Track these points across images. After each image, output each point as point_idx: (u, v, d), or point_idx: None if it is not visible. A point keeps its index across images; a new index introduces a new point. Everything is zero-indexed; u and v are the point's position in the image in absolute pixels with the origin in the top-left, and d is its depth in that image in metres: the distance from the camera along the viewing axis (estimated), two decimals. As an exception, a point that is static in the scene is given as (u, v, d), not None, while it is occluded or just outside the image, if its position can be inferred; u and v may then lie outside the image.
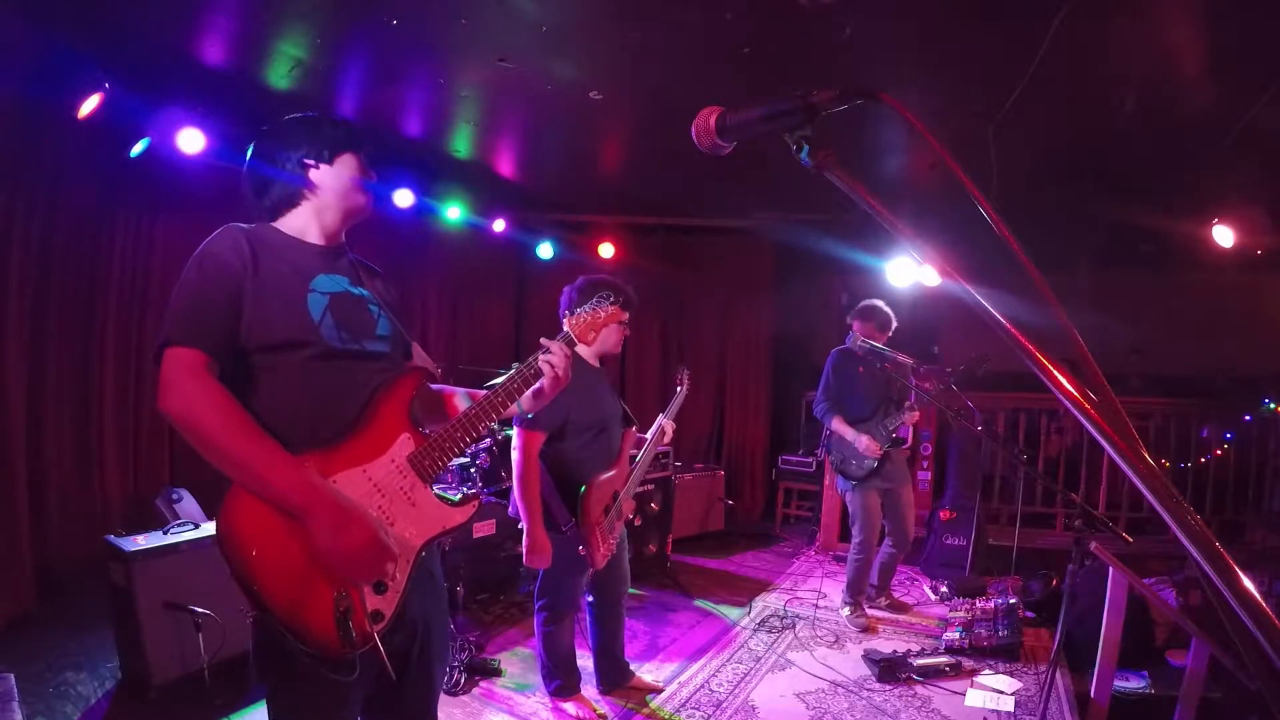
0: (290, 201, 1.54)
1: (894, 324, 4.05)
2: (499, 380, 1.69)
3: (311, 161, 1.52)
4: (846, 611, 4.08)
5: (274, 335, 1.38)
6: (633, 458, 2.99)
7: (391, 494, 1.42)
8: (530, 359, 1.64)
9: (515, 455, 2.62)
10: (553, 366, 1.63)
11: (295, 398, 1.40)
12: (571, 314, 1.78)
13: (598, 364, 2.87)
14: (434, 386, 1.77)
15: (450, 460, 1.52)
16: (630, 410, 3.03)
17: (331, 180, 1.53)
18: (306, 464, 1.31)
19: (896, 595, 4.43)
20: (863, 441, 3.84)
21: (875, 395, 3.98)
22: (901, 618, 4.20)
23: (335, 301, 1.47)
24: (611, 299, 1.78)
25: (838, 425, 3.92)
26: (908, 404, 3.93)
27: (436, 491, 1.50)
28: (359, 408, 1.44)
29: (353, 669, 1.30)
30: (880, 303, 4.07)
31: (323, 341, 1.42)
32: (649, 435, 3.10)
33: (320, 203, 1.54)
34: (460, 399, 1.74)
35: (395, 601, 1.37)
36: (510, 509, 2.77)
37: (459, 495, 1.55)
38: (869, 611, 4.11)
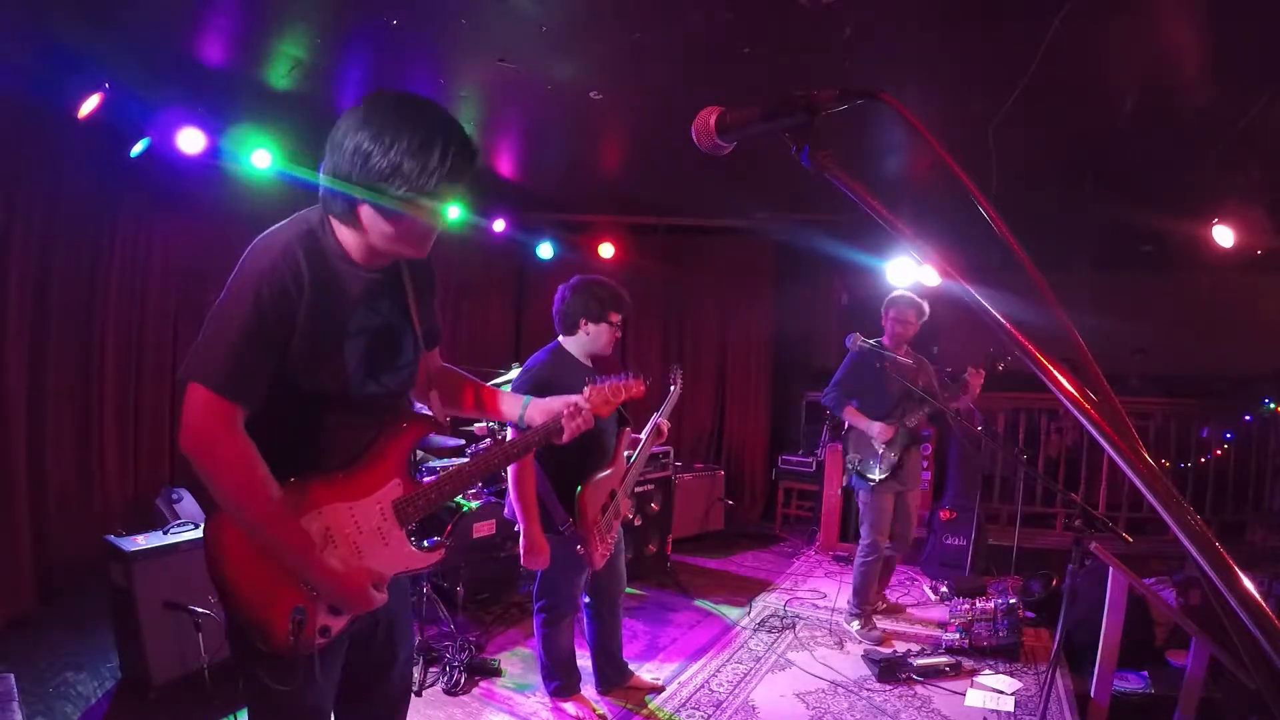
0: (348, 219, 1.34)
1: (895, 303, 3.91)
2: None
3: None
4: (856, 625, 3.90)
5: (306, 386, 1.36)
6: (628, 457, 2.98)
7: (368, 531, 1.48)
8: (550, 423, 1.68)
9: (513, 455, 2.61)
10: (573, 434, 1.68)
11: (306, 431, 1.42)
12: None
13: (589, 364, 2.87)
14: (456, 370, 1.81)
15: (431, 510, 1.57)
16: (629, 410, 3.02)
17: (370, 225, 1.33)
18: (298, 489, 1.38)
19: (893, 598, 4.43)
20: (876, 428, 3.74)
21: (896, 393, 3.88)
22: (901, 618, 4.19)
23: (371, 343, 1.43)
24: (636, 376, 1.88)
25: (850, 415, 3.82)
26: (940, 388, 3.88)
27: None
28: (362, 447, 1.47)
29: (293, 676, 1.38)
30: (895, 294, 3.96)
31: (349, 394, 1.42)
32: (644, 434, 3.09)
33: (374, 241, 1.35)
34: (506, 404, 1.77)
35: (345, 623, 1.45)
36: (506, 510, 2.76)
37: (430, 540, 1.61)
38: (880, 625, 3.98)
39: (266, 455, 1.31)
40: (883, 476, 3.80)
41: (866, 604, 3.95)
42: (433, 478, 1.58)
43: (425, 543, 1.60)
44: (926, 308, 3.91)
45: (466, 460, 1.61)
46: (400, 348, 1.51)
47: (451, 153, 1.25)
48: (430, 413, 1.63)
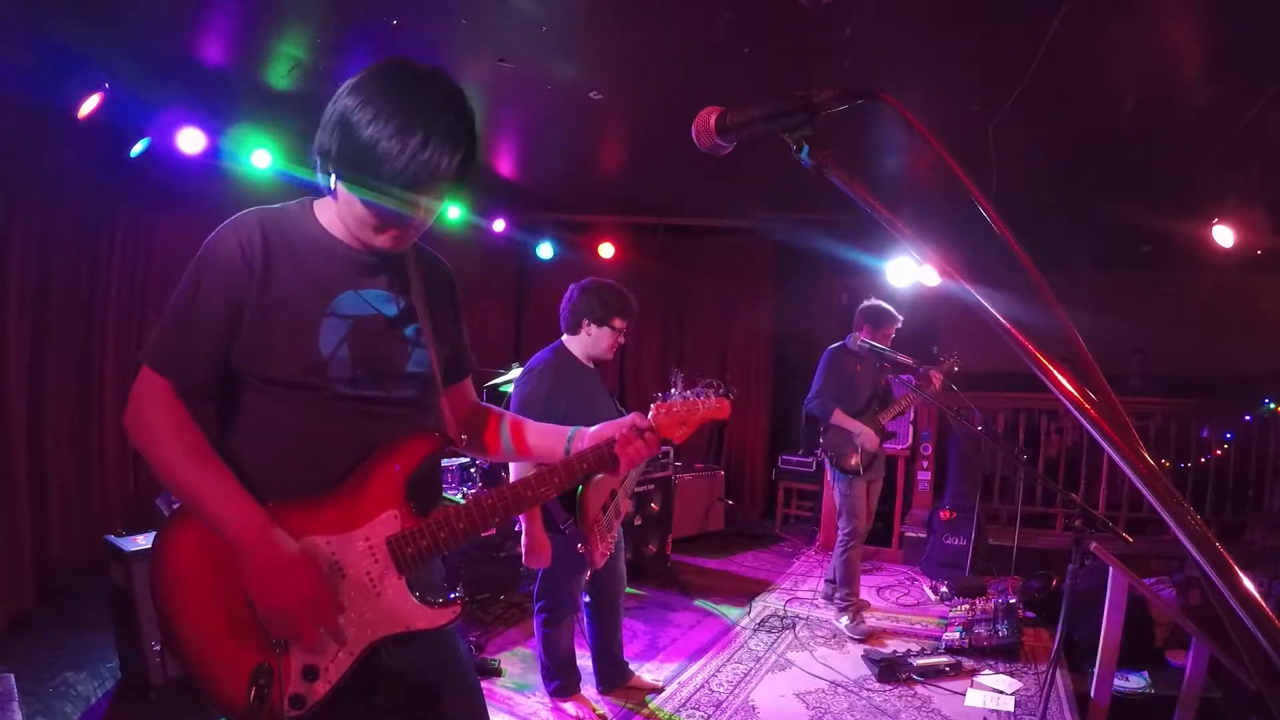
0: (331, 194, 1.23)
1: (886, 321, 3.98)
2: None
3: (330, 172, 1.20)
4: (845, 620, 3.94)
5: (271, 370, 1.19)
6: None
7: (355, 578, 1.21)
8: (602, 446, 1.36)
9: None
10: (633, 463, 1.37)
11: (281, 438, 1.22)
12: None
13: (592, 366, 2.88)
14: (490, 407, 1.59)
15: (439, 553, 1.28)
16: (627, 411, 3.02)
17: (344, 203, 1.21)
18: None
19: (894, 598, 4.43)
20: (866, 434, 3.86)
21: (868, 391, 4.04)
22: (901, 618, 4.19)
23: (358, 329, 1.23)
24: (721, 391, 1.48)
25: (839, 418, 3.91)
26: (903, 394, 4.03)
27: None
28: (349, 466, 1.22)
29: None
30: (875, 302, 4.06)
31: (329, 385, 1.21)
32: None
33: (349, 222, 1.23)
34: (548, 439, 1.47)
35: (324, 692, 1.19)
36: None
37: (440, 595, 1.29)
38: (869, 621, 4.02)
39: (241, 470, 1.19)
40: (859, 468, 3.91)
41: (854, 595, 4.01)
42: (441, 511, 1.27)
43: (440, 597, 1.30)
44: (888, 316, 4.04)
45: (487, 491, 1.32)
46: (403, 349, 1.29)
47: (432, 144, 1.09)
48: (445, 430, 1.36)
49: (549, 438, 1.48)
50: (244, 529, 1.13)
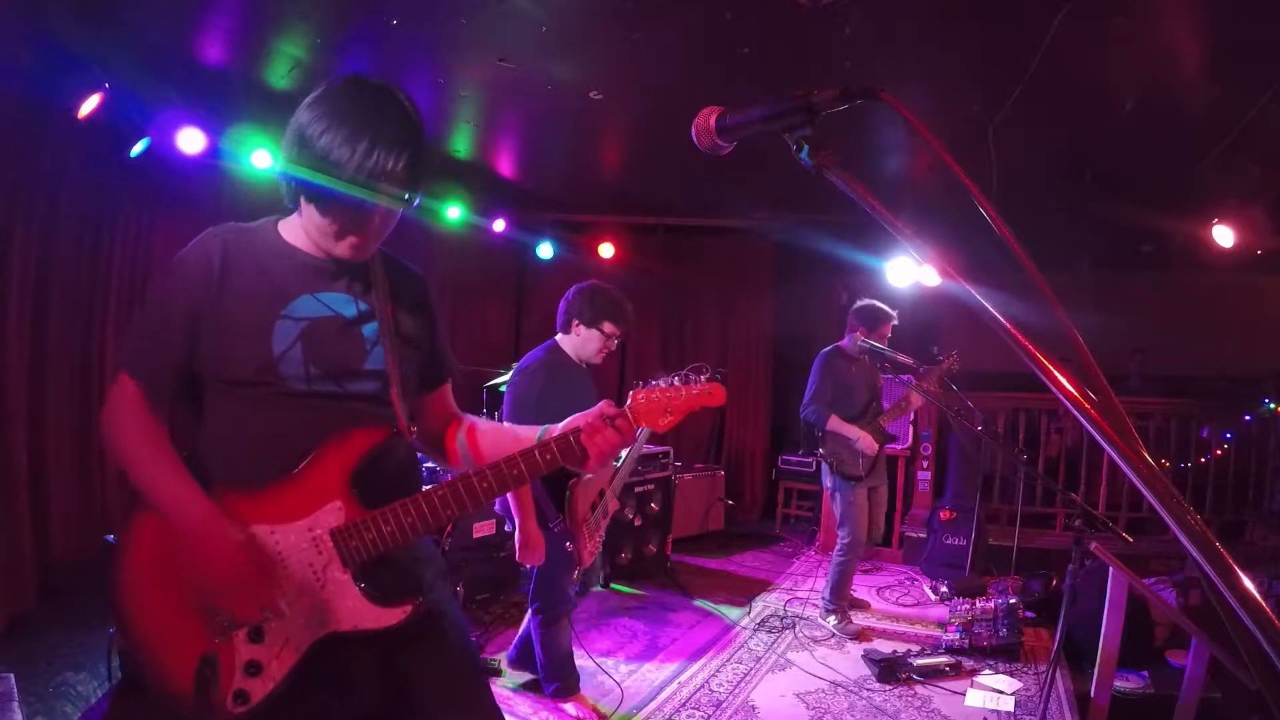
0: (294, 205, 1.31)
1: (882, 320, 3.96)
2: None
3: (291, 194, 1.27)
4: (833, 621, 3.94)
5: (227, 371, 1.25)
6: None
7: (298, 570, 1.20)
8: (566, 435, 1.28)
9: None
10: (603, 454, 1.29)
11: (238, 435, 1.26)
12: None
13: (584, 367, 2.88)
14: (467, 416, 1.55)
15: (388, 547, 1.23)
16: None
17: (305, 215, 1.27)
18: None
19: (894, 598, 4.44)
20: (864, 440, 3.81)
21: (866, 393, 4.00)
22: (901, 619, 4.19)
23: (312, 330, 1.27)
24: (708, 376, 1.35)
25: (835, 424, 3.86)
26: (902, 395, 3.99)
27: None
28: (297, 457, 1.24)
29: None
30: (868, 301, 4.04)
31: (282, 383, 1.24)
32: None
33: (311, 231, 1.29)
34: (518, 441, 1.38)
35: (266, 690, 1.18)
36: (497, 505, 2.76)
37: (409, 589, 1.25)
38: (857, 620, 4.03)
39: (196, 460, 1.25)
40: (862, 473, 3.88)
41: (842, 600, 4.01)
42: (393, 505, 1.24)
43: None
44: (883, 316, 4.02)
45: (445, 483, 1.25)
46: (360, 346, 1.31)
47: (377, 151, 1.15)
48: (395, 424, 1.33)
49: (516, 440, 1.41)
50: (187, 513, 1.18)
